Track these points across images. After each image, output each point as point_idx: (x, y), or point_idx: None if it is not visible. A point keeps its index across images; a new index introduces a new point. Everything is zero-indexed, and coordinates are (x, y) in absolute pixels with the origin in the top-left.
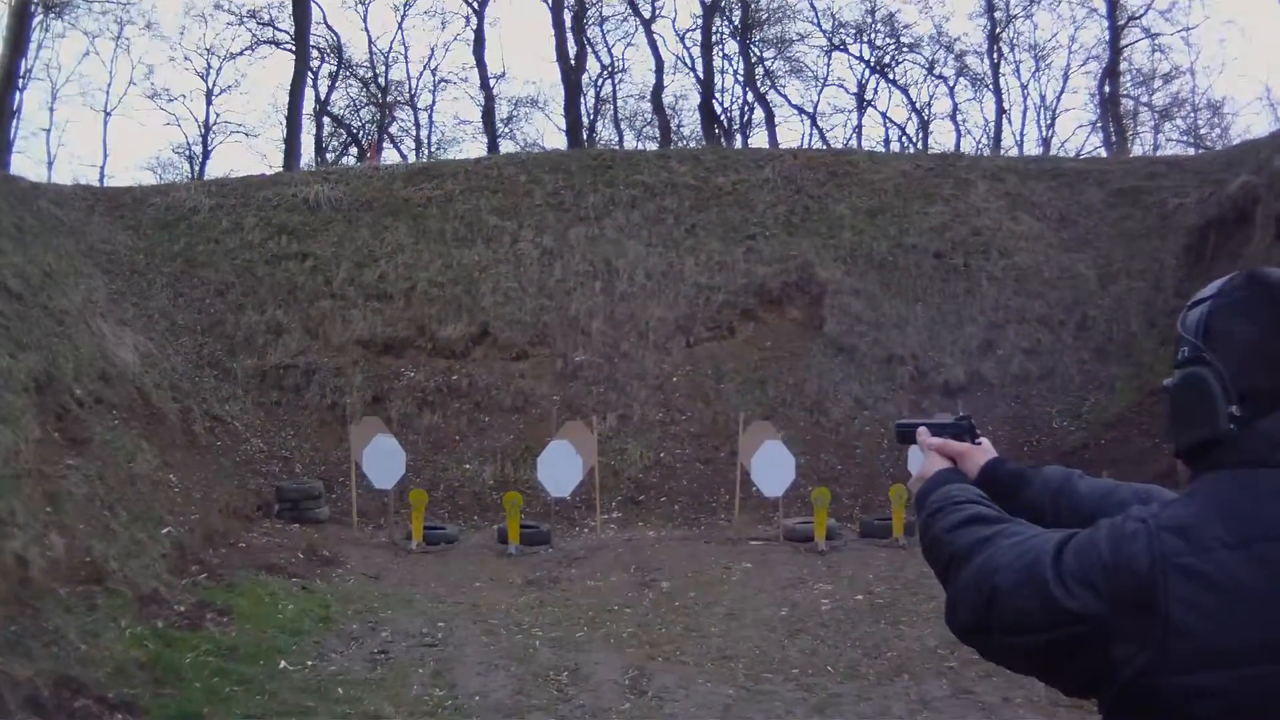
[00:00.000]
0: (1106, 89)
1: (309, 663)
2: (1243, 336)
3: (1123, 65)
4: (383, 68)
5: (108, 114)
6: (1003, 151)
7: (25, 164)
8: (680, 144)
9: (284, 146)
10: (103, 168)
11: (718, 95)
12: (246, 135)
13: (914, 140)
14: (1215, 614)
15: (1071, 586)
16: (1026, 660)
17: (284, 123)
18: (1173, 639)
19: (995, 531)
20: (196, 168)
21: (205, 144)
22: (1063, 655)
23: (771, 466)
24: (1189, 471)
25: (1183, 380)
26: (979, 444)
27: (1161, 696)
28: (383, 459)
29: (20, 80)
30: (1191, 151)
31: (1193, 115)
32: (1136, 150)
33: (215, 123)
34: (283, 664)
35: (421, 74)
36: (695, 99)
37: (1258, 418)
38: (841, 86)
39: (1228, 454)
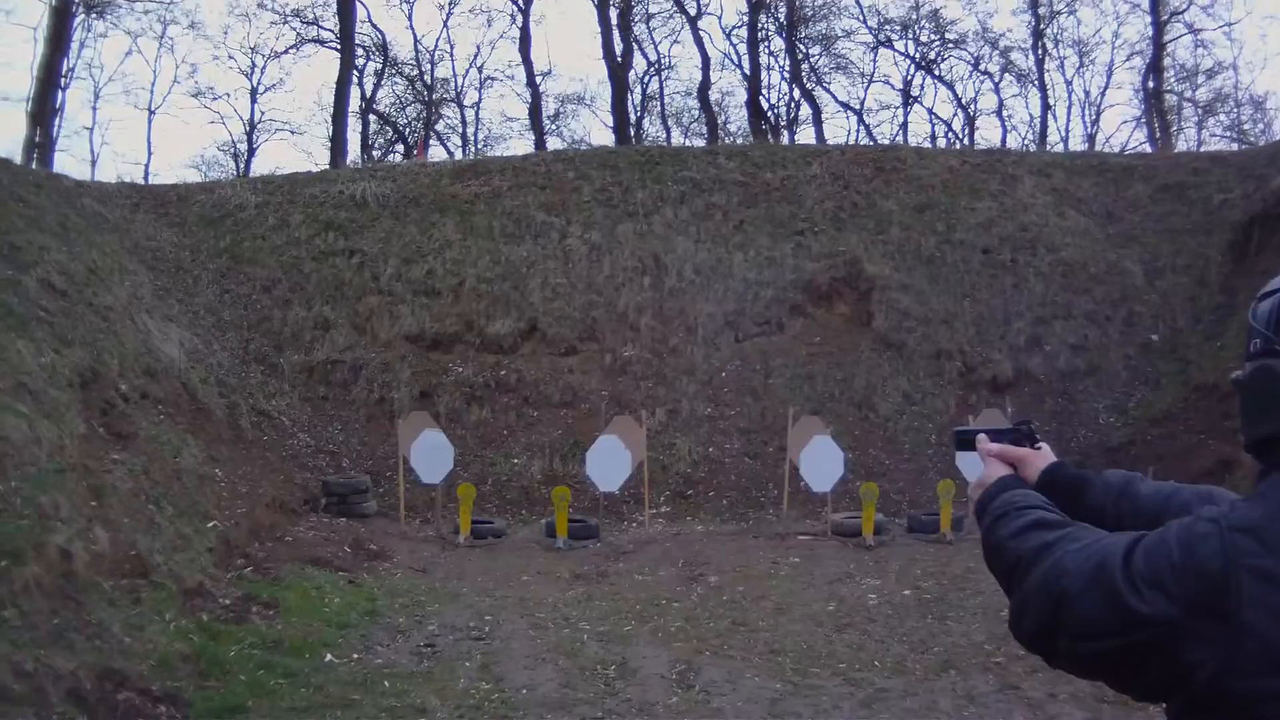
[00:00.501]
0: (1150, 84)
1: (355, 656)
2: None
3: (1166, 61)
4: (428, 65)
5: (152, 112)
6: (1048, 147)
7: (68, 162)
8: (727, 140)
9: (330, 144)
10: (147, 166)
11: (764, 92)
12: (292, 133)
13: (960, 136)
14: None
15: (1142, 589)
16: (1097, 666)
17: (329, 120)
18: (1245, 642)
19: (1060, 536)
20: (242, 165)
21: (250, 142)
22: (1134, 660)
23: (820, 462)
24: (1258, 467)
25: (1254, 373)
26: (1039, 449)
27: (1233, 701)
28: (431, 453)
29: (63, 79)
30: (1235, 147)
31: (1236, 111)
32: (1180, 146)
33: (260, 121)
34: (329, 657)
35: (468, 71)
36: (741, 95)
37: None
38: (887, 83)
39: None
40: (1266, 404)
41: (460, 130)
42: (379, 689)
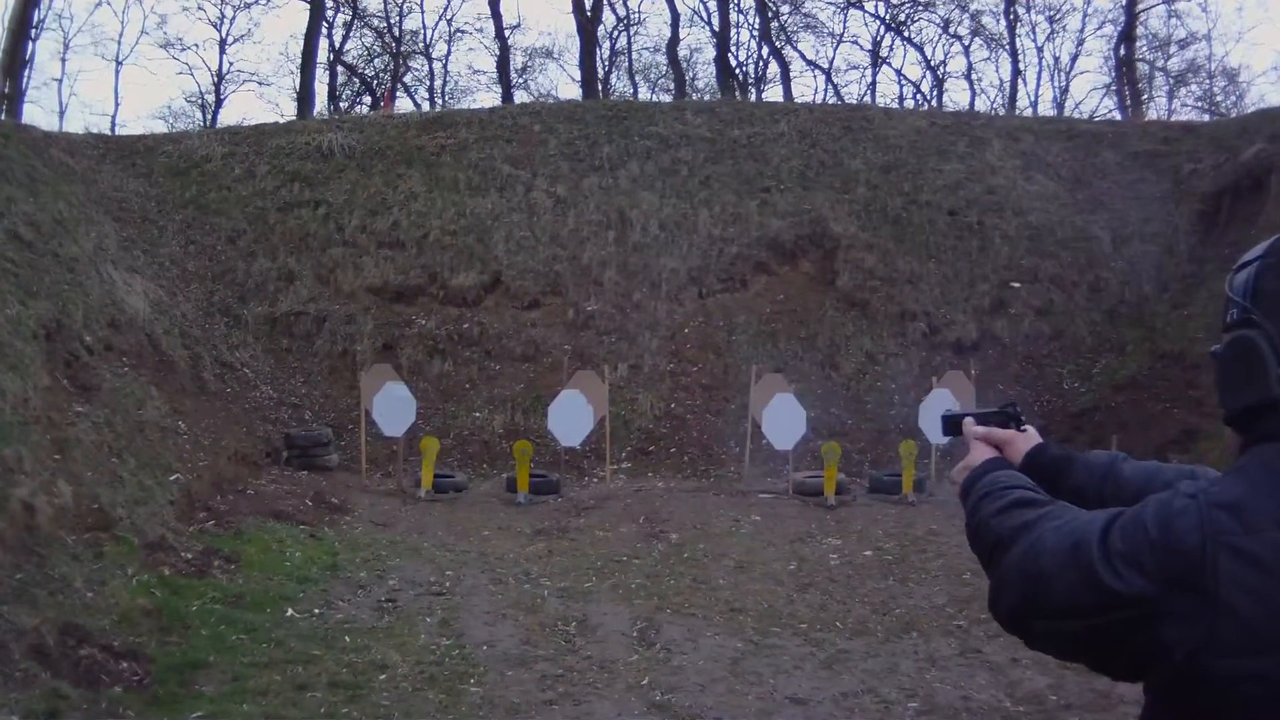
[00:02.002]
0: (1122, 53)
1: (316, 611)
2: None
3: (1138, 30)
4: (397, 18)
5: (119, 63)
6: (1017, 112)
7: (37, 114)
8: (695, 97)
9: (297, 95)
10: (114, 117)
11: (733, 49)
12: (260, 84)
13: (928, 98)
14: (1267, 597)
15: (1119, 567)
16: (1074, 646)
17: (297, 72)
18: (1222, 621)
19: (1040, 515)
20: (209, 116)
21: (218, 93)
22: (1111, 639)
23: (782, 419)
24: (1238, 441)
25: (1231, 344)
26: (1024, 431)
27: (1210, 680)
28: (393, 406)
29: (33, 30)
30: (1206, 118)
31: (1208, 82)
32: (1151, 115)
33: (228, 72)
34: (289, 612)
35: (436, 24)
36: (710, 53)
37: None
38: (856, 43)
39: (1278, 423)
40: (1245, 375)
41: (428, 83)
42: (339, 644)
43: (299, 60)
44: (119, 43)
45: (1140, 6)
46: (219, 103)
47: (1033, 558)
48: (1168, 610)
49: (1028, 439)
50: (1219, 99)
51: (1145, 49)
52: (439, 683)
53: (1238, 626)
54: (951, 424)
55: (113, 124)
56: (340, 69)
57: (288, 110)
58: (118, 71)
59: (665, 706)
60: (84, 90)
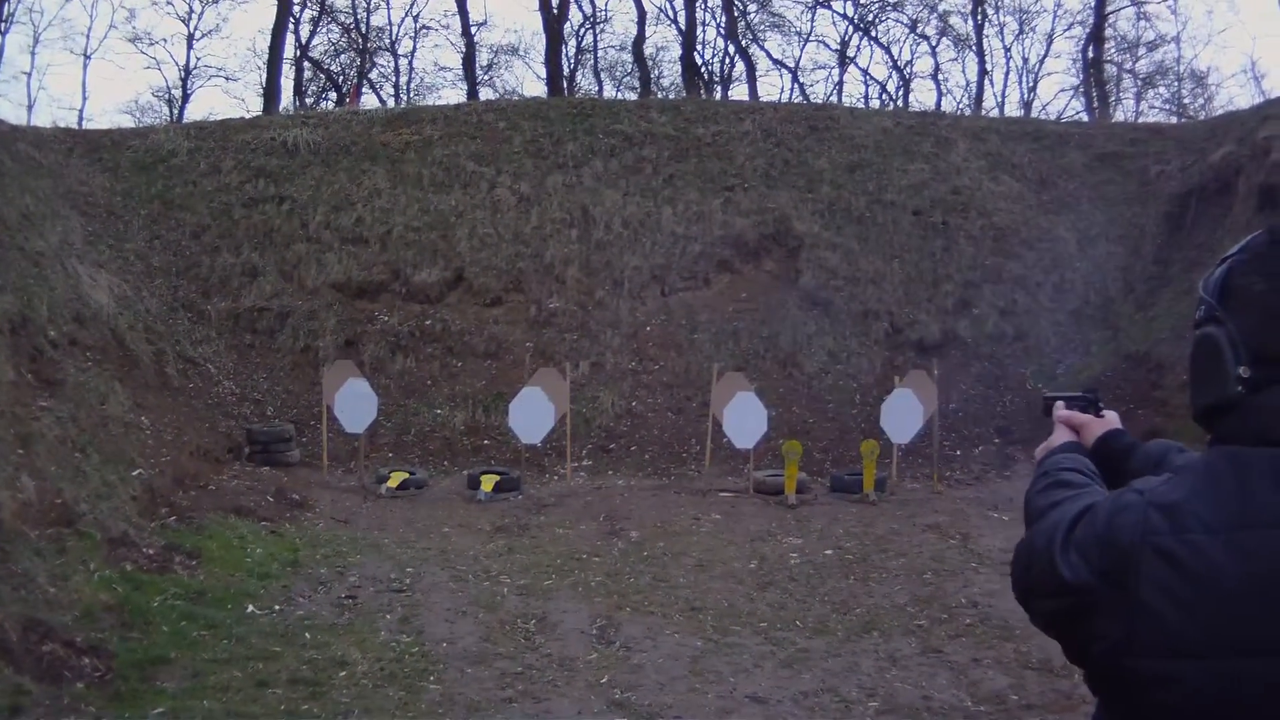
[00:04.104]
0: (1090, 54)
1: (276, 607)
2: (1257, 294)
3: (1107, 31)
4: (364, 13)
5: (88, 58)
6: (984, 113)
7: (6, 107)
8: (660, 95)
9: (263, 91)
10: (81, 111)
11: (699, 48)
12: (226, 79)
13: (894, 98)
14: (1185, 600)
15: (1071, 554)
16: (1045, 626)
17: (264, 67)
18: (1140, 621)
19: (1069, 496)
20: (175, 111)
21: (185, 88)
22: (1063, 624)
23: (743, 418)
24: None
25: (1196, 341)
26: (1102, 416)
27: (1126, 679)
28: (354, 403)
29: (3, 24)
30: (1174, 120)
31: (1176, 84)
32: (1118, 117)
33: (195, 67)
34: (250, 608)
35: (403, 20)
36: (676, 51)
37: (1269, 386)
38: (823, 43)
39: (1236, 423)
40: (1208, 373)
41: (393, 79)
42: (300, 640)
43: (266, 56)
44: (88, 37)
45: (1109, 8)
46: (186, 98)
47: (1033, 536)
48: (1101, 602)
49: (1103, 424)
50: (1187, 101)
51: (1114, 51)
52: (399, 680)
53: (1154, 626)
54: (1046, 404)
55: (80, 118)
56: (306, 65)
57: (254, 106)
58: (86, 66)
59: (625, 705)
60: (52, 84)
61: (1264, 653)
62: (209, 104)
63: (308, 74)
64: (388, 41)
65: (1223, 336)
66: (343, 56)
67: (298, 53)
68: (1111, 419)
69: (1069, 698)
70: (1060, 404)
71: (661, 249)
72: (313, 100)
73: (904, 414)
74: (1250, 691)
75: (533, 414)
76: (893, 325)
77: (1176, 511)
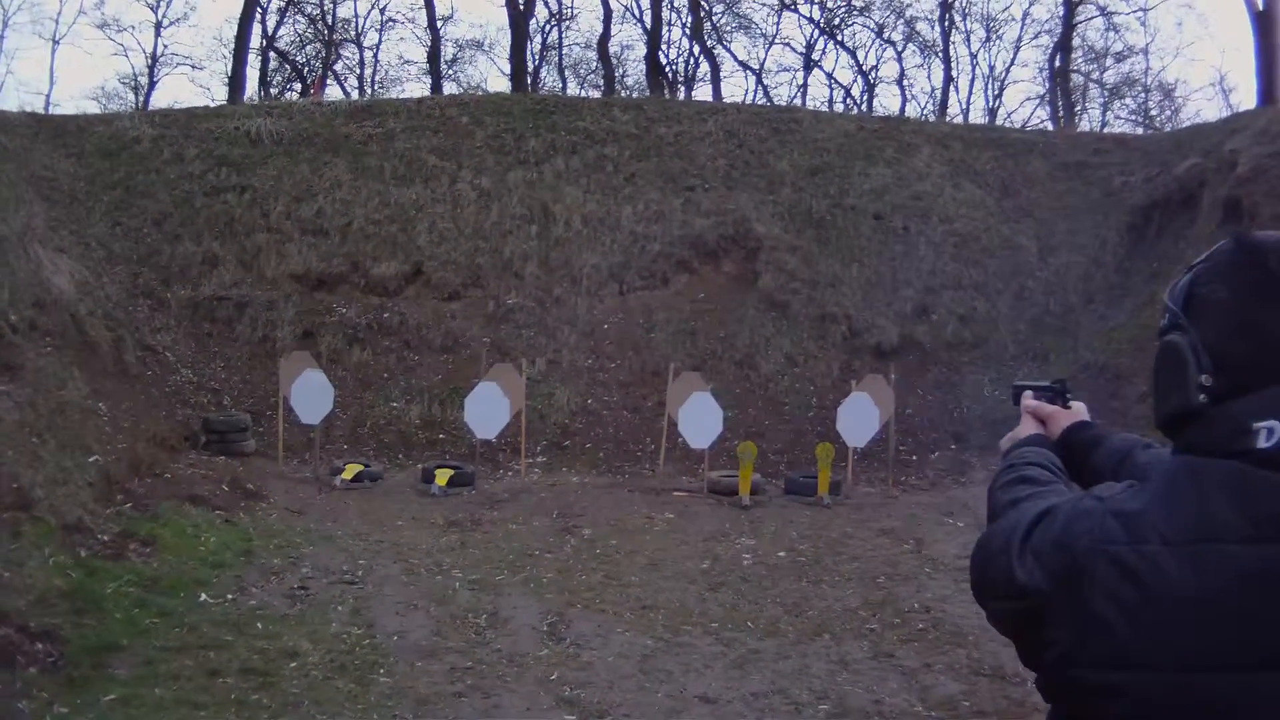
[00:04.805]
0: (1057, 63)
1: (229, 596)
2: (1221, 302)
3: (1075, 41)
4: (331, 4)
5: (56, 42)
6: (948, 119)
7: None
8: (624, 94)
9: (229, 80)
10: (49, 96)
11: (664, 47)
12: (193, 67)
13: (859, 103)
14: (1137, 611)
15: (1027, 558)
16: (1003, 627)
17: (230, 56)
18: (1090, 630)
19: (1031, 494)
20: (141, 98)
21: (151, 75)
22: (1016, 628)
23: (699, 418)
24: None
25: (1160, 349)
26: (1069, 407)
27: (1072, 688)
28: (311, 394)
29: None
30: (1140, 131)
31: (1143, 96)
32: (1084, 127)
33: (162, 54)
34: (203, 597)
35: (369, 13)
36: (641, 50)
37: (1232, 396)
38: (789, 46)
39: (1198, 434)
40: (1171, 381)
41: (358, 71)
42: (251, 630)
43: (232, 45)
44: (57, 21)
45: (1078, 18)
46: (152, 85)
47: (991, 535)
48: (1053, 608)
49: (1070, 415)
50: (1154, 113)
51: (1081, 61)
52: (349, 672)
53: (1102, 636)
54: (1015, 393)
55: (47, 103)
56: (272, 55)
57: (219, 95)
58: (54, 51)
59: (574, 702)
60: (20, 69)
61: (1213, 668)
62: (175, 92)
63: (273, 64)
64: (353, 33)
65: (1186, 345)
66: (308, 48)
67: (264, 43)
68: (1079, 410)
69: (1021, 705)
70: (1029, 393)
71: (620, 247)
72: (278, 91)
73: (860, 418)
74: (1196, 707)
75: (488, 409)
76: (850, 329)
77: (1134, 521)
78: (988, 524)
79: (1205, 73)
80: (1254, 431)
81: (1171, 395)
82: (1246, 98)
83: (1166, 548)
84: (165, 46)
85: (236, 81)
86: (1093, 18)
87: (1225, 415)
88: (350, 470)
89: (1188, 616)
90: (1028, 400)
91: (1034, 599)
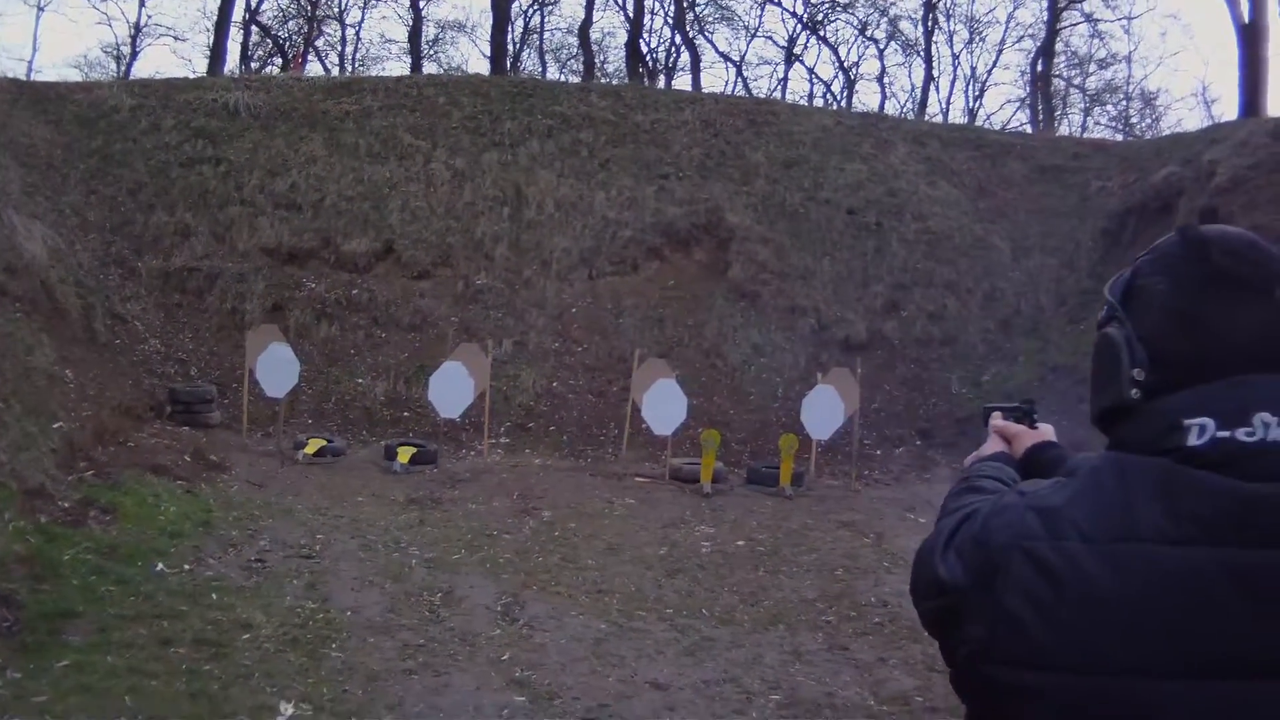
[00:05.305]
0: (1039, 67)
1: (186, 566)
2: (1159, 294)
3: (1059, 46)
4: None
5: (41, 9)
6: (927, 118)
7: None
8: (604, 81)
9: (210, 52)
10: (31, 62)
11: (645, 35)
12: (175, 39)
13: (838, 99)
14: (1051, 610)
15: (950, 555)
16: (927, 627)
17: (212, 28)
18: (1003, 628)
19: (972, 501)
20: (123, 68)
21: (134, 45)
22: (938, 625)
23: (663, 405)
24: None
25: (1096, 342)
26: (1036, 428)
27: (987, 689)
28: (277, 367)
29: None
30: (1119, 138)
31: (1124, 103)
32: (1063, 131)
33: (145, 25)
34: (160, 566)
35: None
36: (622, 37)
37: (1166, 391)
38: (770, 39)
39: (1129, 429)
40: (1106, 375)
41: (339, 48)
42: (206, 601)
43: (215, 17)
44: None
45: (1062, 23)
46: (134, 55)
47: (926, 539)
48: (969, 605)
49: (1034, 435)
50: (1134, 120)
51: (1064, 66)
52: (301, 645)
53: (1014, 633)
54: (985, 414)
55: (29, 69)
56: (255, 29)
57: (200, 67)
58: (39, 17)
59: (524, 683)
60: (4, 34)
61: (1133, 674)
62: (157, 63)
63: (255, 38)
64: (336, 10)
65: (1121, 338)
66: (291, 23)
67: (246, 16)
68: (1046, 431)
69: None
70: (997, 414)
71: (592, 232)
72: (258, 65)
73: (825, 411)
74: (1107, 712)
75: (453, 388)
76: (819, 322)
77: (1054, 517)
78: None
79: (1188, 83)
80: (1185, 428)
81: (1105, 390)
82: (1228, 109)
83: (1086, 545)
84: (149, 17)
85: (217, 54)
86: (1077, 24)
87: (1157, 411)
88: (313, 445)
89: (1107, 618)
90: (995, 420)
91: (952, 596)
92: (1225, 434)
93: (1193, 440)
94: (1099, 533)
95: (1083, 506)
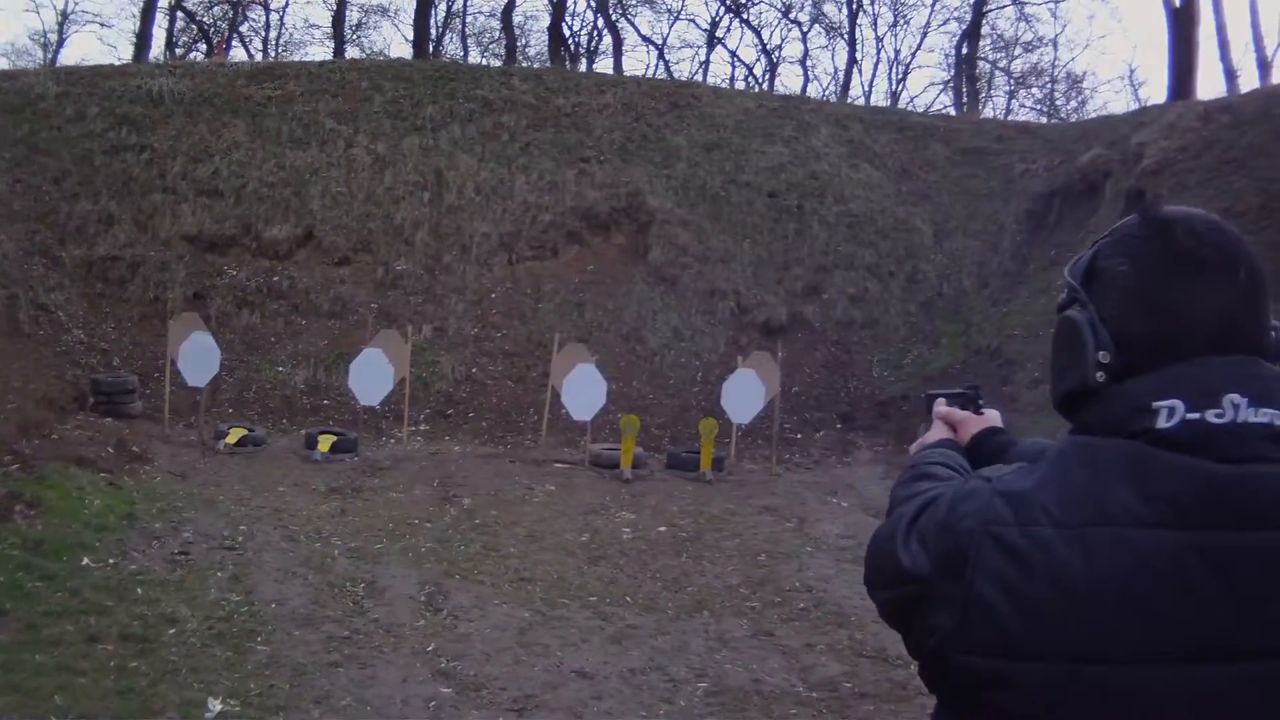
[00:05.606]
0: (964, 50)
1: (111, 560)
2: (1121, 275)
3: (985, 29)
4: None
5: None
6: (850, 101)
7: None
8: (525, 65)
9: (135, 39)
10: None
11: (568, 19)
12: (102, 25)
13: (760, 81)
14: (1023, 596)
15: (911, 543)
16: (886, 616)
17: (138, 15)
18: (973, 615)
19: (929, 488)
20: (50, 55)
21: (61, 32)
22: (901, 616)
23: (583, 390)
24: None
25: (1058, 325)
26: (981, 413)
27: (957, 678)
28: (198, 356)
29: None
30: (1044, 121)
31: (1050, 86)
32: (988, 114)
33: (72, 11)
34: (85, 560)
35: None
36: (545, 20)
37: (1131, 374)
38: (693, 21)
39: (1094, 413)
40: (1068, 358)
41: (263, 34)
42: (132, 596)
43: (141, 3)
44: None
45: (989, 6)
46: (61, 42)
47: (881, 527)
48: (935, 593)
49: (981, 421)
50: (1059, 103)
51: (989, 48)
52: (227, 639)
53: (984, 621)
54: (928, 401)
55: None
56: (180, 15)
57: (126, 54)
58: None
59: (450, 674)
60: None
61: (1107, 660)
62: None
63: (180, 24)
64: None
65: (1084, 321)
66: (216, 8)
67: (173, 2)
68: (992, 417)
69: (904, 688)
70: (941, 400)
71: (512, 217)
72: (183, 51)
73: (745, 394)
74: (1089, 701)
75: (372, 376)
76: (739, 305)
77: (1023, 502)
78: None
79: (1115, 66)
80: (1155, 411)
81: (1068, 373)
82: (1155, 92)
83: (1057, 530)
84: (76, 3)
85: (143, 40)
86: (1004, 6)
87: (1124, 394)
88: (234, 434)
89: (1079, 604)
90: (939, 407)
91: (917, 584)
92: (1195, 416)
93: (1162, 423)
94: (1069, 517)
95: (1051, 491)
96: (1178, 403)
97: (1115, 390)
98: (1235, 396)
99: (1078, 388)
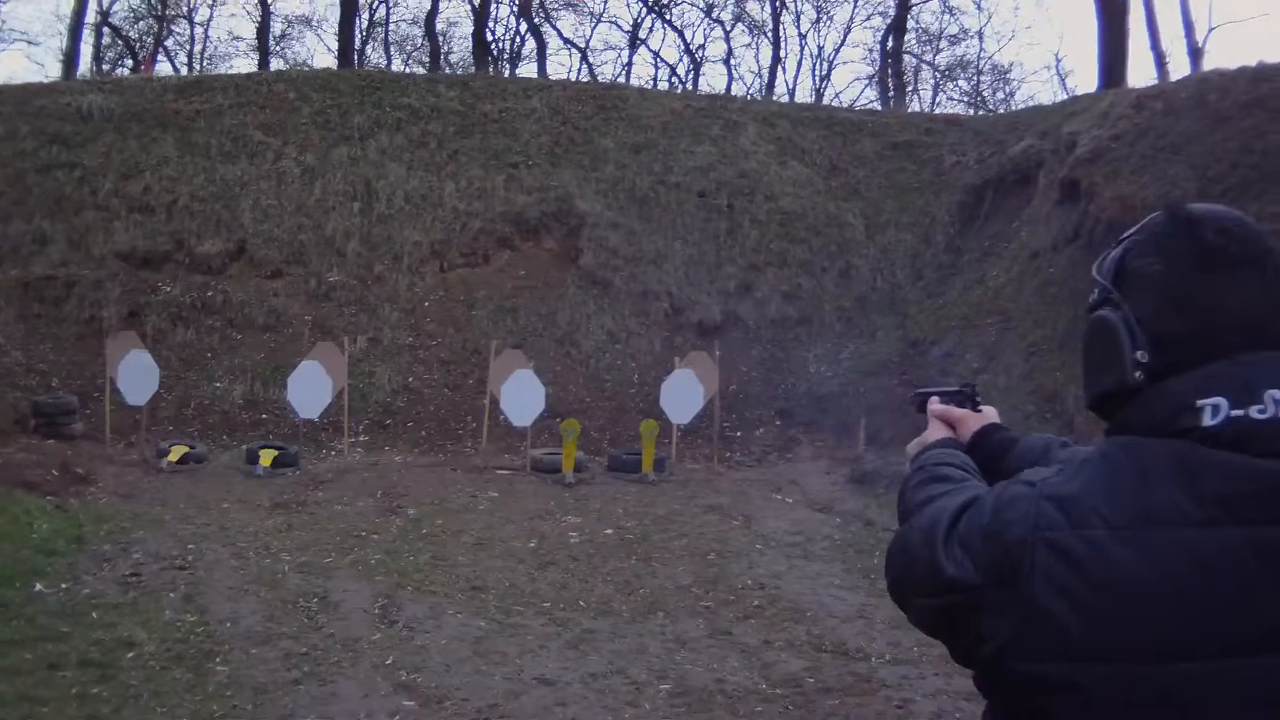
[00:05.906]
0: (889, 44)
1: (63, 585)
2: (1155, 275)
3: (910, 23)
4: None
5: None
6: (775, 99)
7: None
8: (449, 71)
9: (63, 56)
10: None
11: (490, 24)
12: (29, 43)
13: (684, 82)
14: (1081, 600)
15: (955, 551)
16: (925, 625)
17: (66, 32)
18: (1031, 621)
19: (945, 491)
20: None
21: None
22: (947, 623)
23: (521, 396)
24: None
25: (1091, 325)
26: (979, 411)
27: (1013, 682)
28: (137, 374)
29: None
30: (971, 112)
31: (976, 78)
32: (914, 108)
33: None
34: (38, 586)
35: None
36: (468, 26)
37: (1171, 373)
38: (615, 23)
39: (1135, 412)
40: (1104, 359)
41: (188, 48)
42: (88, 620)
43: (69, 20)
44: None
45: (913, 1)
46: None
47: (908, 533)
48: (988, 601)
49: (980, 419)
50: (987, 95)
51: (914, 42)
52: (185, 661)
53: (1044, 626)
54: (919, 401)
55: None
56: (106, 30)
57: (54, 71)
58: None
59: (411, 687)
60: None
61: (1167, 658)
62: (10, 68)
63: (107, 39)
64: (185, 9)
65: (1119, 320)
66: (141, 23)
67: (99, 18)
68: (989, 414)
69: (867, 681)
70: (935, 399)
71: (442, 224)
72: (110, 67)
73: (684, 395)
74: (1151, 700)
75: (310, 388)
76: (673, 306)
77: (1073, 504)
78: (899, 525)
79: (1041, 56)
80: (1199, 409)
81: (1105, 373)
82: (1083, 82)
83: (1110, 532)
84: (3, 21)
85: (71, 57)
86: (928, 0)
87: (1166, 393)
88: (176, 452)
89: (1138, 604)
90: (935, 405)
91: (964, 593)
92: (1239, 413)
93: (1208, 420)
94: (1120, 518)
95: (1100, 492)
96: (1221, 400)
97: (1156, 389)
98: (1276, 392)
99: (1115, 388)
